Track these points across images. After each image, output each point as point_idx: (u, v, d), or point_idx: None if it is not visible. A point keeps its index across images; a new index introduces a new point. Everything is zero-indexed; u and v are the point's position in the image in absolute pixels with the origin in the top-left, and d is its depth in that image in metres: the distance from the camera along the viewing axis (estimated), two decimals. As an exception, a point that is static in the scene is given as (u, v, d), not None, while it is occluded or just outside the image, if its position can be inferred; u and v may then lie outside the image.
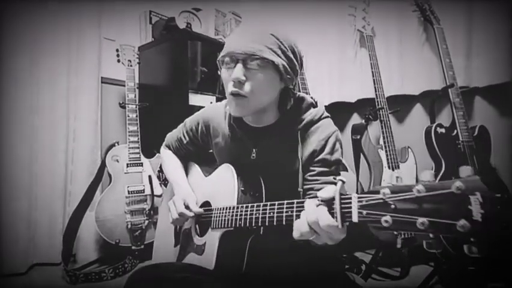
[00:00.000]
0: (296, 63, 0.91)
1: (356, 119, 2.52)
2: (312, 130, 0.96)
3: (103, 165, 2.06)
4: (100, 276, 1.79)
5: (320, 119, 0.98)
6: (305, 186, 0.93)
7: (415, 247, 1.80)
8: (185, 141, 1.21)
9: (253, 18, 2.94)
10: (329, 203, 0.64)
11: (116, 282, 1.78)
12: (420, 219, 0.48)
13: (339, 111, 2.52)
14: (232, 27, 2.87)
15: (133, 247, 1.98)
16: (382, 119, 2.02)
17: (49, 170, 2.05)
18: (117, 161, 2.07)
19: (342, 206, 0.60)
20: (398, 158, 2.00)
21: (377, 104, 2.04)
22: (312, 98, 1.03)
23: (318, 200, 0.66)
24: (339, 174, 0.96)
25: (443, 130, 1.83)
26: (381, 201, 0.54)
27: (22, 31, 1.94)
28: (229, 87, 0.88)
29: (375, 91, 2.07)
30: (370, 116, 2.05)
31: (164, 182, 2.16)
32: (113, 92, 2.51)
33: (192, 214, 1.02)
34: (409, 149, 2.06)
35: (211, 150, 1.18)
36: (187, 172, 1.26)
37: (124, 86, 2.20)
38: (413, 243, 1.79)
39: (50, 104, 2.07)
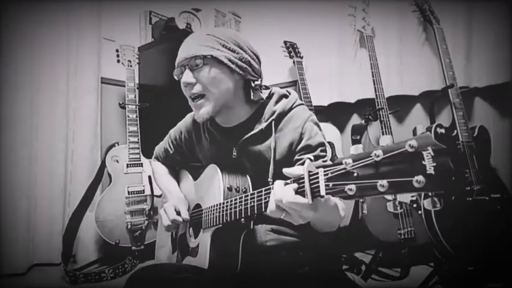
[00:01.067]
0: (243, 52, 0.94)
1: (355, 120, 2.52)
2: (286, 119, 0.98)
3: (103, 165, 2.06)
4: (99, 276, 1.79)
5: (291, 107, 1.00)
6: None
7: (415, 247, 1.80)
8: (171, 152, 1.26)
9: (253, 19, 2.94)
10: (298, 181, 0.66)
11: (116, 283, 1.78)
12: (380, 182, 0.50)
13: (339, 112, 2.52)
14: (232, 27, 2.87)
15: (133, 247, 1.98)
16: (382, 119, 2.02)
17: (49, 170, 2.05)
18: (117, 161, 2.07)
19: (311, 182, 0.62)
20: (397, 158, 1.99)
21: (376, 104, 2.04)
22: (287, 91, 1.05)
23: (290, 181, 0.68)
24: (326, 156, 0.96)
25: (443, 130, 1.83)
26: (344, 170, 0.56)
27: (22, 31, 1.95)
28: (186, 94, 0.95)
29: (375, 91, 2.07)
30: (370, 117, 2.05)
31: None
32: (113, 93, 2.51)
33: (181, 220, 1.04)
34: (409, 149, 2.06)
35: (199, 156, 1.21)
36: (179, 179, 1.30)
37: (124, 86, 2.20)
38: (412, 244, 1.79)
39: (50, 104, 2.07)
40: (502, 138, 1.92)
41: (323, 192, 0.59)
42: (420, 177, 0.45)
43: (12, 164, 1.90)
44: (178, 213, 1.06)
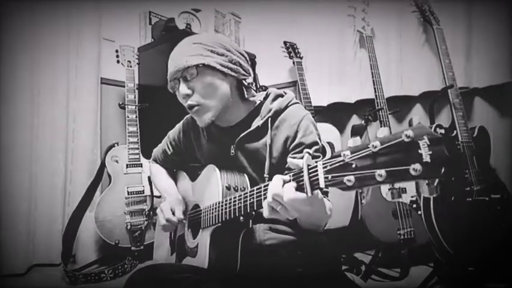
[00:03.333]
0: (231, 53, 0.95)
1: (355, 120, 2.52)
2: (282, 117, 0.98)
3: (103, 165, 2.06)
4: (99, 277, 1.79)
5: (287, 105, 1.00)
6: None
7: (415, 248, 1.80)
8: (169, 152, 1.26)
9: (252, 19, 2.94)
10: (297, 176, 0.67)
11: (115, 283, 1.78)
12: (378, 171, 0.51)
13: (338, 112, 2.52)
14: (231, 27, 2.87)
15: (133, 248, 1.98)
16: (382, 119, 2.02)
17: (49, 171, 2.05)
18: (117, 161, 2.07)
19: (310, 175, 0.63)
20: (397, 159, 1.99)
21: (376, 104, 2.04)
22: (284, 91, 1.06)
23: (288, 174, 0.69)
24: (321, 156, 0.95)
25: (442, 131, 1.82)
26: (342, 162, 0.56)
27: (22, 31, 1.95)
28: (185, 104, 0.96)
29: (375, 92, 2.07)
30: (370, 117, 2.06)
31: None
32: (112, 93, 2.51)
33: (176, 220, 1.05)
34: (409, 150, 2.06)
35: (197, 156, 1.21)
36: (176, 180, 1.31)
37: (123, 86, 2.20)
38: (412, 244, 1.79)
39: (50, 105, 2.07)
40: (502, 138, 1.92)
41: (322, 184, 0.60)
42: (417, 165, 0.46)
43: (12, 164, 1.90)
44: (174, 213, 1.07)
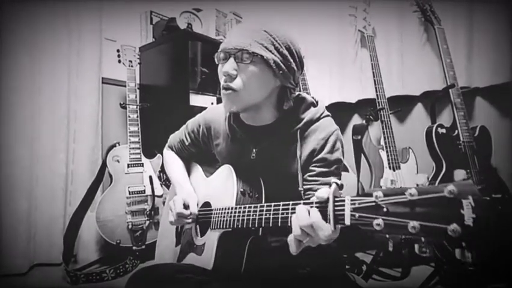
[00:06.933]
0: (292, 61, 0.91)
1: (356, 120, 2.52)
2: (312, 129, 0.96)
3: (104, 165, 2.06)
4: (100, 276, 1.79)
5: (319, 118, 0.98)
6: (305, 187, 0.92)
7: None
8: (187, 143, 1.22)
9: (254, 19, 2.94)
10: (321, 205, 0.64)
11: (117, 283, 1.78)
12: (412, 223, 0.47)
13: (339, 112, 2.51)
14: (232, 27, 2.87)
15: (134, 247, 1.98)
16: (383, 119, 2.02)
17: (50, 171, 2.05)
18: (118, 161, 2.07)
19: (336, 208, 0.60)
20: (398, 159, 2.00)
21: (377, 104, 2.04)
22: (313, 98, 1.03)
23: (314, 204, 0.65)
24: (340, 175, 0.95)
25: (443, 130, 1.82)
26: (374, 204, 0.53)
27: (22, 31, 1.95)
28: (221, 82, 0.90)
29: (376, 91, 2.07)
30: (371, 117, 2.05)
31: (165, 182, 2.16)
32: (114, 93, 2.51)
33: (188, 213, 1.02)
34: (410, 150, 2.06)
35: (214, 153, 1.19)
36: (189, 172, 1.27)
37: (124, 86, 2.20)
38: (414, 244, 1.79)
39: (51, 105, 2.07)
40: (503, 138, 1.91)
41: (347, 221, 0.57)
42: (456, 227, 0.43)
43: (13, 164, 1.90)
44: (187, 207, 1.04)
